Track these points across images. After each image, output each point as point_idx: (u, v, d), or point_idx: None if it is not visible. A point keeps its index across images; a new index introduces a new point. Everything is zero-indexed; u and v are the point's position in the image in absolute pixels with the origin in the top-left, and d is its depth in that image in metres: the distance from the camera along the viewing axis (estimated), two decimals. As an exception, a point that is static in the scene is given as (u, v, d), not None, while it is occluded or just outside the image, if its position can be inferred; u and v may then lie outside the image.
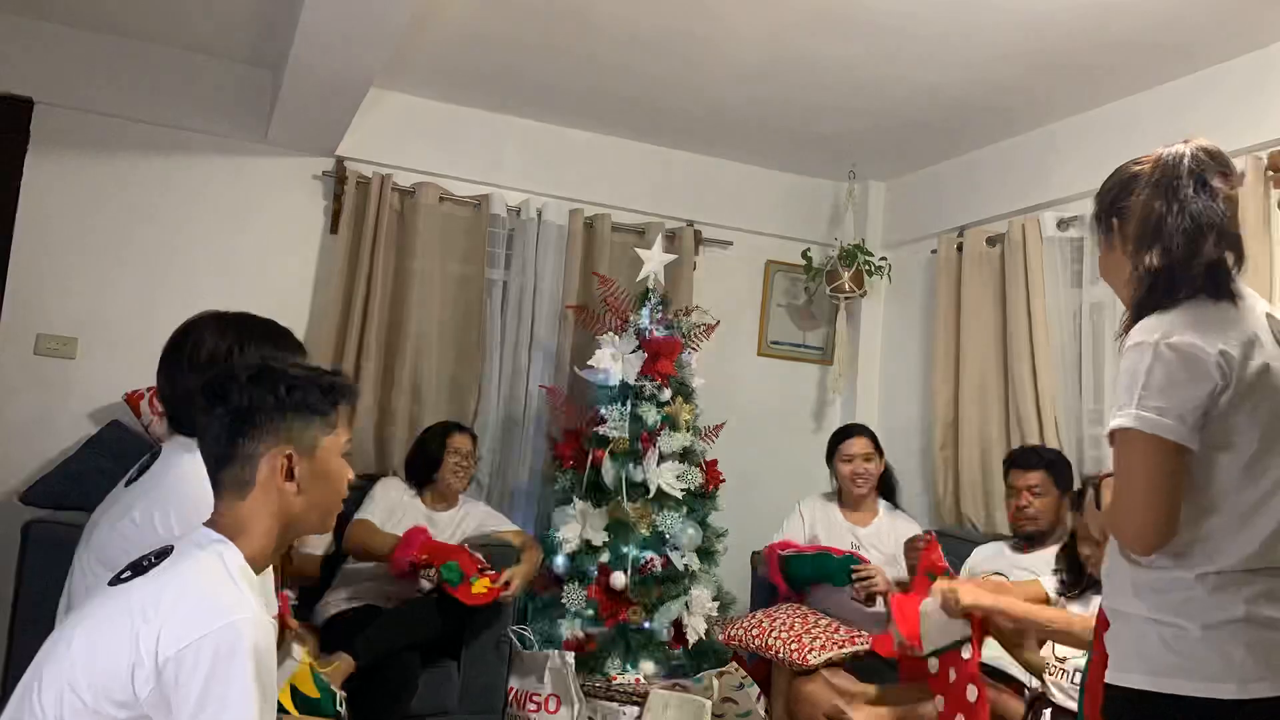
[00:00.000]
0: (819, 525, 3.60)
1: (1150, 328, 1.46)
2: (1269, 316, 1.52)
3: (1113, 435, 1.45)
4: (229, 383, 1.44)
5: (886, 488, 3.68)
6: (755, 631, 3.23)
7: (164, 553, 1.38)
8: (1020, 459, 3.27)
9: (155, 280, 3.74)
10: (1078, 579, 2.50)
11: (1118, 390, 1.47)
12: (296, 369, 1.49)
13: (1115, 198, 1.60)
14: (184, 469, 1.70)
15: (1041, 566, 3.01)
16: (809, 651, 3.06)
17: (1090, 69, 3.38)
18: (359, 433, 3.84)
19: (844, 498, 3.65)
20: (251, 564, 1.40)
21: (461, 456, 3.52)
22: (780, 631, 3.17)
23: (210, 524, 1.42)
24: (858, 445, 3.60)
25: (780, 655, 3.12)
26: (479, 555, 3.23)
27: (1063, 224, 3.74)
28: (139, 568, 1.37)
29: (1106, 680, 1.48)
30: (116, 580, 1.38)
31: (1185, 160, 1.55)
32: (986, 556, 3.31)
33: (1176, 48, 3.18)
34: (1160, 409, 1.40)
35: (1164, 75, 3.38)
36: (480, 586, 3.12)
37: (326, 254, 3.97)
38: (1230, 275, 1.50)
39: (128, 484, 1.79)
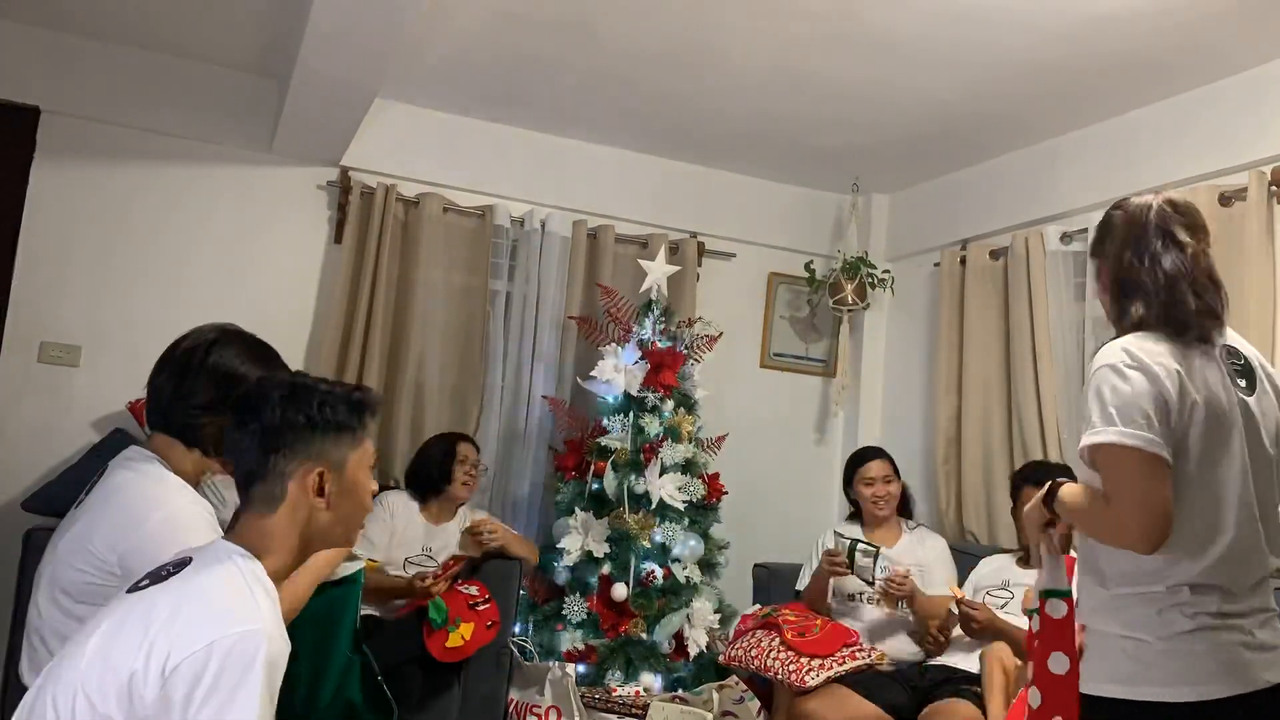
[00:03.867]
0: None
1: (1113, 350, 1.59)
2: (1229, 349, 1.65)
3: (1092, 450, 1.55)
4: (261, 400, 1.46)
5: (904, 505, 3.66)
6: (754, 652, 3.22)
7: (182, 563, 1.39)
8: (1035, 477, 3.23)
9: (159, 288, 3.75)
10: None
11: (1088, 410, 1.57)
12: (325, 384, 1.51)
13: (1098, 239, 1.75)
14: (123, 485, 1.73)
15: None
16: (807, 672, 3.05)
17: (1093, 83, 3.39)
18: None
19: (865, 520, 3.60)
20: (273, 578, 1.41)
21: (470, 465, 3.53)
22: (778, 651, 3.16)
23: (234, 536, 1.43)
24: (877, 468, 3.56)
25: (779, 676, 3.12)
26: (473, 590, 3.17)
27: (1066, 238, 3.75)
28: (157, 576, 1.38)
29: (1081, 690, 1.61)
30: (135, 588, 1.38)
31: (1155, 214, 1.66)
32: (992, 570, 3.31)
33: (1179, 63, 3.19)
34: (1139, 424, 1.50)
35: (1167, 90, 3.38)
36: (457, 638, 3.02)
37: (330, 264, 3.98)
38: (1212, 326, 1.63)
39: (77, 505, 1.81)
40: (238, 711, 1.23)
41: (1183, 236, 1.64)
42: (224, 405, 1.78)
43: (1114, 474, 1.52)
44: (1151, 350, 1.56)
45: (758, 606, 3.52)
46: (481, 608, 3.13)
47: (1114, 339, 1.64)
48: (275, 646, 1.30)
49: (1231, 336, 1.69)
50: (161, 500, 1.70)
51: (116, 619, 1.32)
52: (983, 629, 3.03)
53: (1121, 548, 1.54)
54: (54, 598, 1.70)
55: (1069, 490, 1.65)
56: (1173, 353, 1.57)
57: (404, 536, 3.39)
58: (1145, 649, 1.52)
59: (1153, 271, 1.62)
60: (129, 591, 1.39)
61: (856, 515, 3.66)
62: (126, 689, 1.24)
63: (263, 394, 1.47)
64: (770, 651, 3.17)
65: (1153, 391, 1.51)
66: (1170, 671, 1.51)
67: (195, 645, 1.24)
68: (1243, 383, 1.63)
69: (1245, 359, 1.67)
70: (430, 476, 3.50)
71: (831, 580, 3.40)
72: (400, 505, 3.48)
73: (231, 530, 1.46)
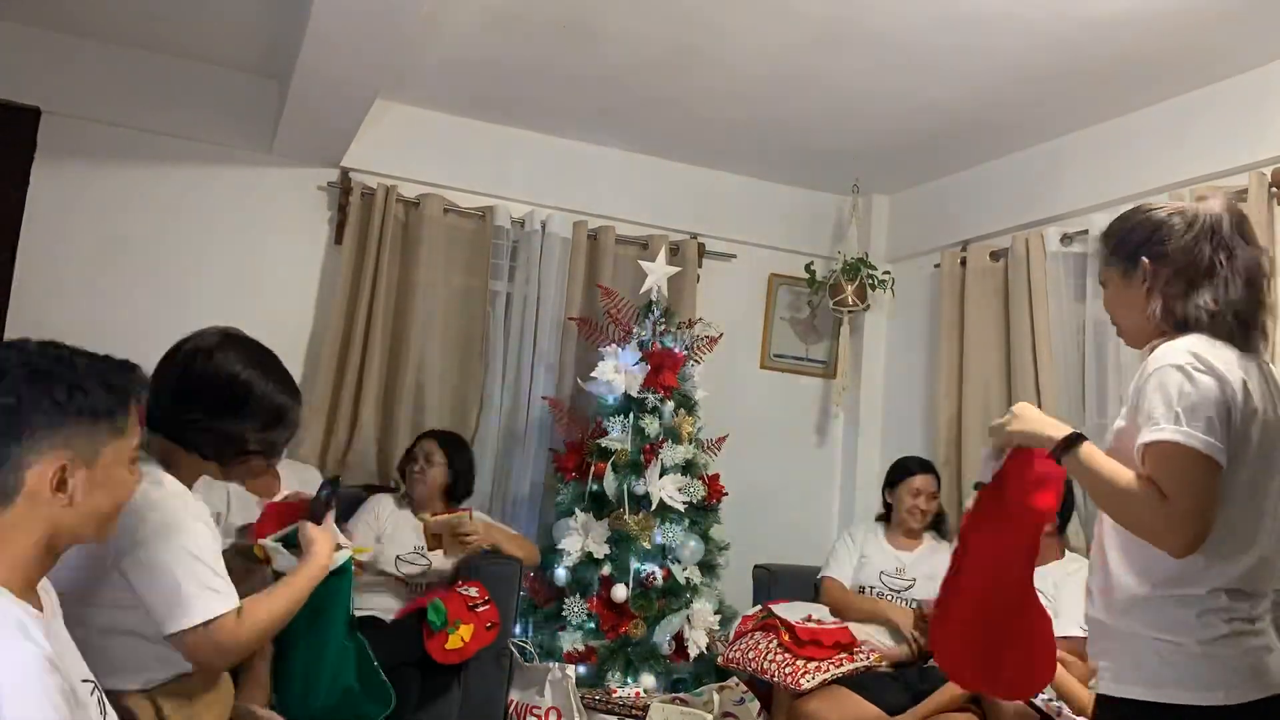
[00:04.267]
0: (869, 548, 3.62)
1: (1179, 350, 1.56)
2: (1265, 364, 1.66)
3: (1152, 448, 1.52)
4: (3, 378, 1.25)
5: (937, 520, 3.68)
6: (751, 655, 3.23)
7: None
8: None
9: (159, 289, 3.75)
10: None
11: (1148, 407, 1.54)
12: (85, 359, 1.32)
13: (1147, 239, 1.68)
14: None
15: (1043, 583, 3.06)
16: (803, 675, 3.05)
17: (1094, 84, 3.39)
18: (363, 443, 3.84)
19: (893, 524, 3.65)
20: (8, 585, 1.24)
21: (421, 460, 3.45)
22: (775, 654, 3.16)
23: None
24: (924, 483, 3.60)
25: (775, 679, 3.12)
26: (472, 591, 3.17)
27: (1066, 239, 3.74)
28: None
29: (1103, 692, 1.61)
30: None
31: (1228, 216, 1.66)
32: None
33: (1180, 64, 3.19)
34: (1203, 428, 1.49)
35: (1167, 91, 3.38)
36: (457, 640, 3.02)
37: (330, 265, 3.98)
38: (1262, 332, 1.64)
39: None
40: None
41: (1254, 239, 1.66)
42: (224, 410, 1.80)
43: (1170, 473, 1.50)
44: (1220, 356, 1.56)
45: (758, 608, 3.52)
46: (481, 609, 3.13)
47: (1163, 339, 1.62)
48: (10, 666, 1.14)
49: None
50: (157, 502, 1.69)
51: None
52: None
53: (1154, 544, 1.51)
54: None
55: (1101, 459, 1.59)
56: (1237, 360, 1.57)
57: (395, 536, 3.38)
58: (1181, 652, 1.52)
59: (1231, 265, 1.61)
60: None
61: (886, 517, 3.70)
62: None
63: (3, 371, 1.25)
64: (767, 653, 3.17)
65: (1220, 398, 1.51)
66: (1204, 675, 1.51)
67: None
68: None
69: (1275, 376, 1.70)
70: (401, 473, 3.57)
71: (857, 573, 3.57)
72: (388, 507, 3.47)
73: None
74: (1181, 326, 1.62)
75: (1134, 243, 1.69)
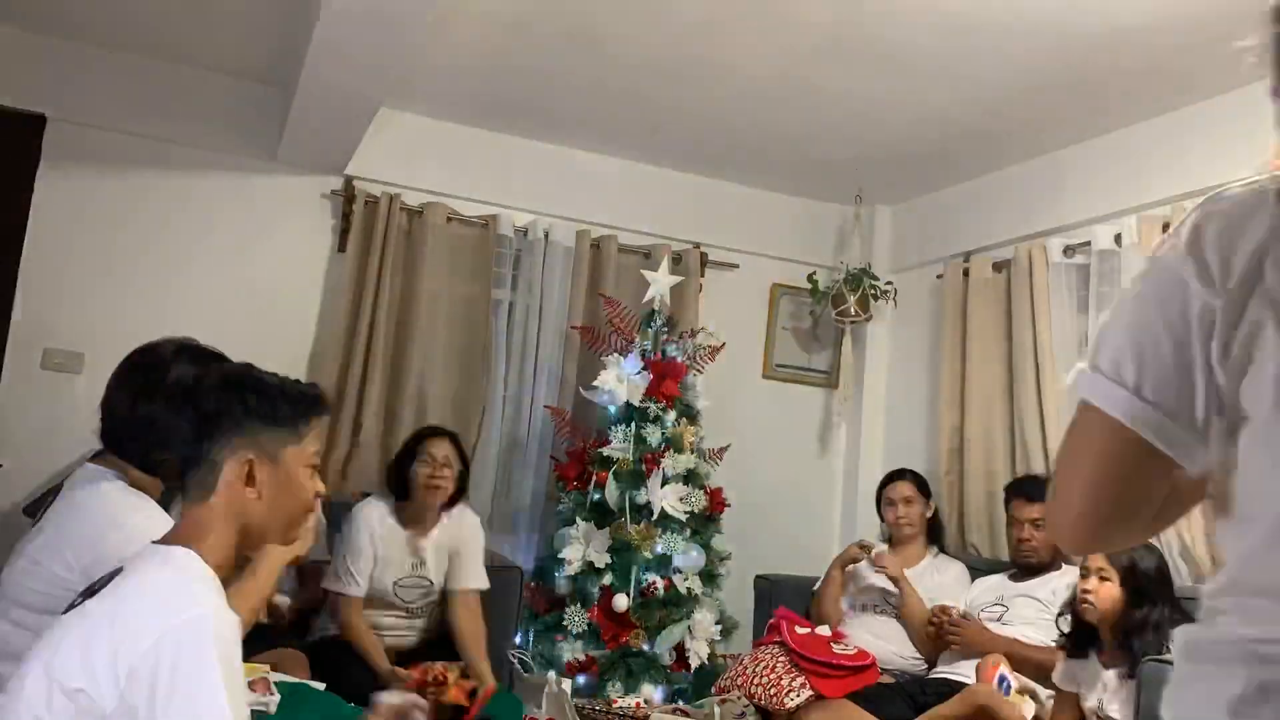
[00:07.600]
0: (866, 565, 3.60)
1: None
2: None
3: None
4: (200, 387, 1.48)
5: (934, 531, 3.67)
6: (740, 680, 3.23)
7: (114, 574, 1.36)
8: (1024, 489, 3.26)
9: (163, 296, 3.76)
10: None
11: None
12: (270, 379, 1.51)
13: None
14: (88, 499, 1.71)
15: (1040, 592, 3.13)
16: (787, 694, 3.05)
17: (1097, 96, 3.39)
18: (364, 451, 3.83)
19: (893, 541, 3.64)
20: (212, 568, 1.39)
21: (438, 464, 3.06)
22: (761, 676, 3.16)
23: (171, 533, 1.42)
24: (899, 489, 3.61)
25: (761, 701, 3.12)
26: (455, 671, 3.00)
27: (1069, 250, 3.74)
28: (91, 591, 1.36)
29: None
30: (70, 606, 1.36)
31: None
32: (986, 589, 3.35)
33: (1183, 76, 3.19)
34: None
35: (1171, 103, 3.38)
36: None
37: (334, 272, 3.99)
38: None
39: (34, 524, 1.78)
40: (206, 698, 1.21)
41: None
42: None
43: None
44: None
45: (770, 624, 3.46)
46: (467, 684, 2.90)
47: None
48: (222, 620, 1.29)
49: None
50: (121, 518, 1.68)
51: (54, 639, 1.30)
52: (968, 642, 3.10)
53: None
54: (8, 615, 1.66)
55: None
56: None
57: (388, 556, 3.08)
58: None
59: None
60: (64, 611, 1.36)
61: (887, 539, 3.69)
62: (80, 706, 1.21)
63: (200, 383, 1.50)
64: (755, 677, 3.18)
65: None
66: None
67: (142, 644, 1.22)
68: None
69: None
70: (397, 476, 3.11)
71: (849, 587, 3.56)
72: (375, 518, 3.08)
73: (170, 530, 1.44)
74: None
75: None
